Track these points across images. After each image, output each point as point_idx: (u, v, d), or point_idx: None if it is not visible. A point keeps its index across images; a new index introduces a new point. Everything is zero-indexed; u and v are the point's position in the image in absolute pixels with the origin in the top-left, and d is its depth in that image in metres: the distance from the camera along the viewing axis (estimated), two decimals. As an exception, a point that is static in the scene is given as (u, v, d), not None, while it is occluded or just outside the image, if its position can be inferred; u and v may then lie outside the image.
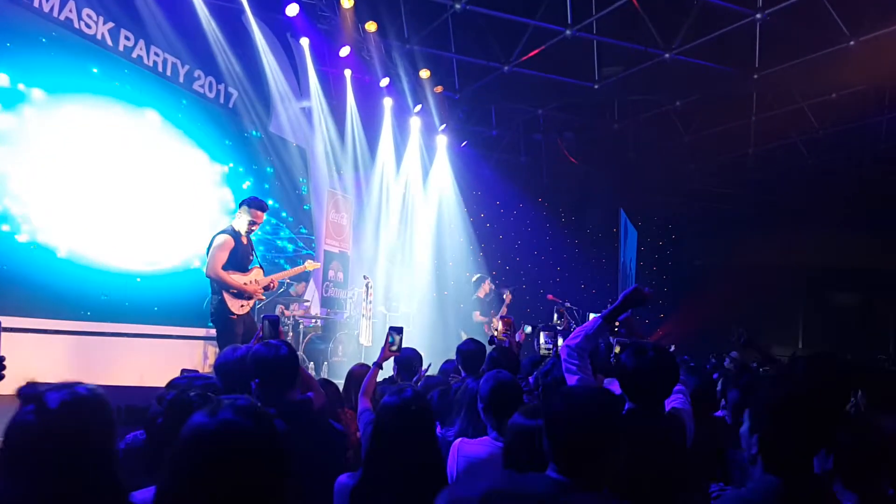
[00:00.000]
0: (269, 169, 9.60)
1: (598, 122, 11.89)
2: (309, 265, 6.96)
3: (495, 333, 4.71)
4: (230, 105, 8.89)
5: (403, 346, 4.11)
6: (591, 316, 4.28)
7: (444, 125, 11.41)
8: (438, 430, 3.05)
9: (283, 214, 9.88)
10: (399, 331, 3.89)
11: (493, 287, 10.44)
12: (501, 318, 4.78)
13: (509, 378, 2.97)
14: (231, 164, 8.87)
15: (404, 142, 11.55)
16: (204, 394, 2.48)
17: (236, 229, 5.83)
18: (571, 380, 2.64)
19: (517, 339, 4.79)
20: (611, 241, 13.59)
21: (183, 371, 3.26)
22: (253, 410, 1.46)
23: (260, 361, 2.90)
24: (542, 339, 4.50)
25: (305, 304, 9.60)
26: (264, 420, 1.45)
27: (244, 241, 5.89)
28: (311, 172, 10.65)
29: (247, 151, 9.15)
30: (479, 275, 10.78)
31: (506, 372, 3.04)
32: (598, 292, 12.91)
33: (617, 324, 3.29)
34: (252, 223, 5.83)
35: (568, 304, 9.82)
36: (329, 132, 10.51)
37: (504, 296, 10.13)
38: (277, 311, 7.51)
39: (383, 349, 3.87)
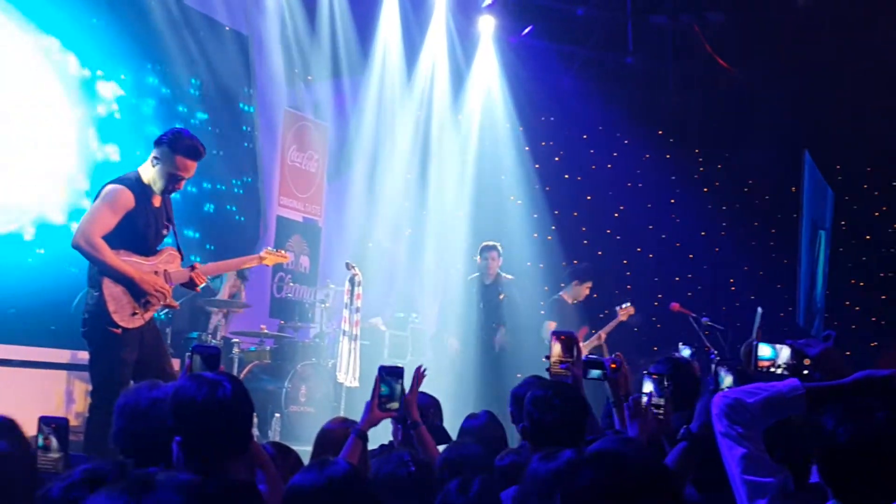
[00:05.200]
0: (183, 72, 9.76)
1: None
2: (268, 257, 7.01)
3: (549, 362, 4.70)
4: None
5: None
6: (784, 354, 4.19)
7: (493, -2, 11.41)
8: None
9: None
10: (397, 375, 4.00)
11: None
12: (556, 334, 4.71)
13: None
14: (106, 67, 8.97)
15: (421, 28, 11.62)
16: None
17: (145, 181, 5.91)
18: (733, 452, 2.72)
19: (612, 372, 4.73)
20: (787, 206, 13.36)
21: (42, 420, 3.37)
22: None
23: (185, 406, 3.00)
24: (647, 388, 4.39)
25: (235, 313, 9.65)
26: None
27: (156, 203, 5.98)
28: (258, 78, 10.71)
29: (143, 41, 9.27)
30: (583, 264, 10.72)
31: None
32: (759, 298, 12.69)
33: (807, 362, 3.26)
34: (174, 177, 5.91)
35: (707, 320, 9.78)
36: (290, 9, 10.54)
37: (618, 310, 10.07)
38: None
39: (369, 405, 3.96)
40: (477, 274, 10.33)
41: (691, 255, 13.35)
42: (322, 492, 2.70)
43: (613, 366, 4.55)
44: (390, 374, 3.96)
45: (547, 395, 3.99)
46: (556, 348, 4.59)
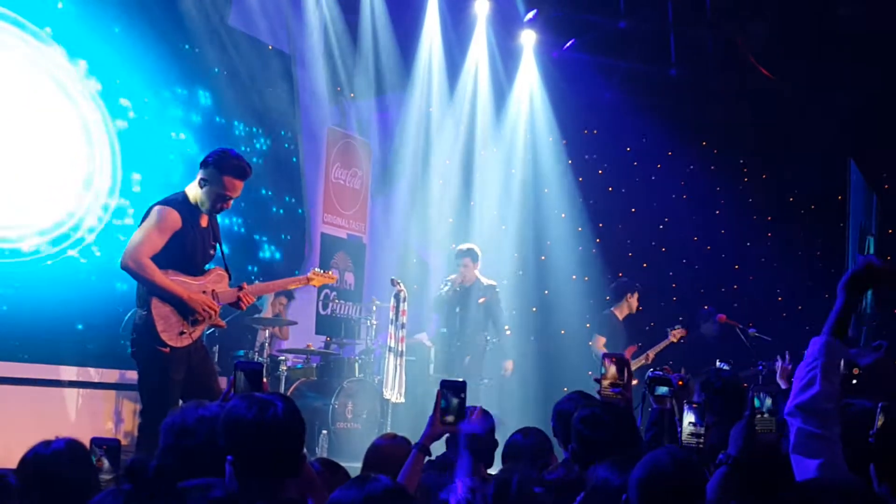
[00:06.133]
0: (225, 91, 9.86)
1: (813, 5, 11.56)
2: (315, 278, 7.05)
3: (601, 384, 4.65)
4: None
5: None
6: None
7: (535, 12, 11.40)
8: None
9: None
10: (455, 389, 3.94)
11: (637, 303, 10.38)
12: (608, 356, 4.67)
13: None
14: (153, 86, 9.09)
15: (463, 44, 11.64)
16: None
17: (192, 202, 5.98)
18: (808, 466, 2.69)
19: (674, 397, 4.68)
20: (833, 215, 13.21)
21: (94, 441, 3.42)
22: None
23: (237, 426, 3.05)
24: (689, 419, 4.32)
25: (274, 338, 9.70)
26: None
27: (203, 222, 6.05)
28: (301, 97, 10.77)
29: (185, 59, 9.39)
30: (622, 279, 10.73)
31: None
32: (806, 309, 12.60)
33: (856, 371, 3.22)
34: (222, 197, 5.97)
35: (754, 331, 9.71)
36: (331, 27, 10.67)
37: (669, 332, 10.00)
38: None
39: (431, 420, 3.92)
40: (454, 276, 10.07)
41: (737, 266, 13.23)
42: None
43: (681, 382, 4.54)
44: (448, 388, 3.92)
45: (595, 413, 3.97)
46: (612, 370, 4.56)
